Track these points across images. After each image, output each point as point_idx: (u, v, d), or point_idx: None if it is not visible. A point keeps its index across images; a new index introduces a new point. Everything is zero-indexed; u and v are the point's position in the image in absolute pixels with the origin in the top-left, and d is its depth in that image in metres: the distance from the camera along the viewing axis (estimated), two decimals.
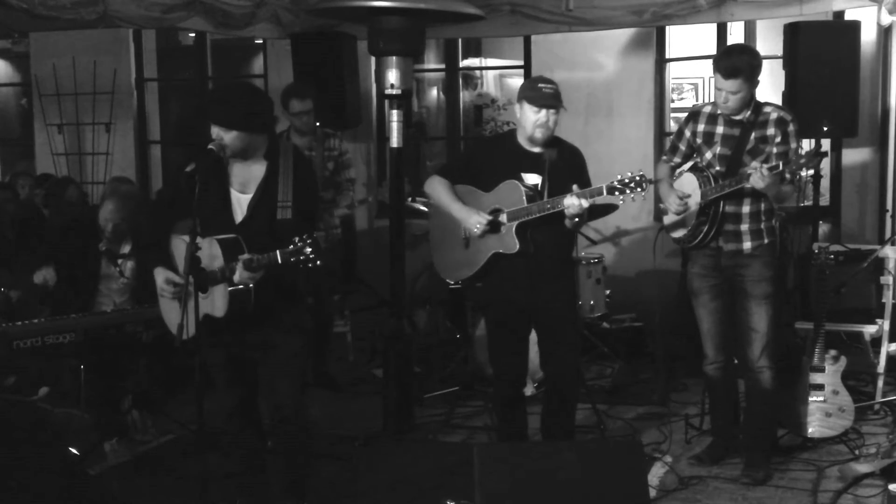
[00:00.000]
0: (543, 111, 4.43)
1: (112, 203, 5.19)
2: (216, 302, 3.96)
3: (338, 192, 6.45)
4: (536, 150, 4.52)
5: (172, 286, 3.98)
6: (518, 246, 4.45)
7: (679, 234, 4.74)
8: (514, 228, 4.46)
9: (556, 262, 4.59)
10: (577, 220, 4.37)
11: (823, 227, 7.03)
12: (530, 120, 4.47)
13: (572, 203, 4.27)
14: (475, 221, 4.53)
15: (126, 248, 5.30)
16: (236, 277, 3.81)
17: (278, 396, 4.09)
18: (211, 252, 3.94)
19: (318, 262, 3.66)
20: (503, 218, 4.50)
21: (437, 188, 4.71)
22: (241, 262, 3.79)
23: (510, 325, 4.62)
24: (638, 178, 4.18)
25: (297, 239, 3.68)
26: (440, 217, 4.80)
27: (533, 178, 4.52)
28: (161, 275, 4.04)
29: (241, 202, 4.03)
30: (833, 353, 5.09)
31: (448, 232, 4.76)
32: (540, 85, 4.48)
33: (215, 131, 3.92)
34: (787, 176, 4.32)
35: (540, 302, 4.53)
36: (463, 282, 4.90)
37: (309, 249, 3.65)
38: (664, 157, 4.92)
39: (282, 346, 4.05)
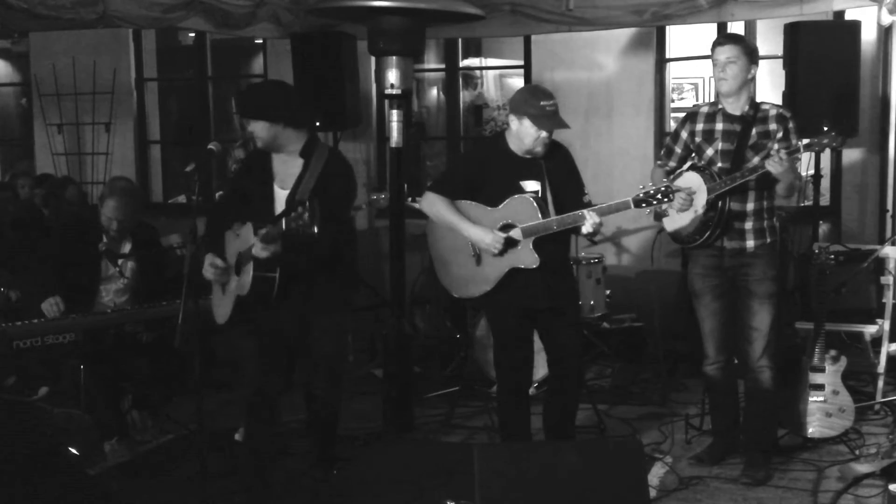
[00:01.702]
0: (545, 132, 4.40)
1: (114, 201, 5.19)
2: (244, 279, 4.17)
3: None
4: (530, 155, 4.48)
5: (214, 268, 4.29)
6: (539, 261, 4.39)
7: (684, 230, 4.67)
8: (531, 244, 4.39)
9: (561, 265, 4.59)
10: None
11: (823, 227, 7.03)
12: (531, 136, 4.40)
13: (594, 223, 4.27)
14: (492, 241, 4.41)
15: (126, 248, 5.29)
16: (254, 250, 4.00)
17: (318, 353, 4.41)
18: (245, 236, 4.17)
19: (315, 231, 3.80)
20: (517, 234, 4.42)
21: (439, 207, 4.57)
22: (259, 236, 3.98)
23: (521, 333, 4.59)
24: (664, 188, 4.16)
25: (298, 206, 3.83)
26: (442, 235, 4.68)
27: (533, 185, 4.47)
28: (209, 258, 4.33)
29: (280, 197, 4.28)
30: (833, 353, 5.09)
31: (454, 249, 4.63)
32: (543, 103, 4.36)
33: (247, 123, 4.25)
34: (800, 157, 4.31)
35: (547, 305, 4.52)
36: (476, 298, 4.74)
37: (307, 215, 3.78)
38: (658, 162, 4.91)
39: (319, 320, 4.38)
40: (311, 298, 4.31)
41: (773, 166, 4.31)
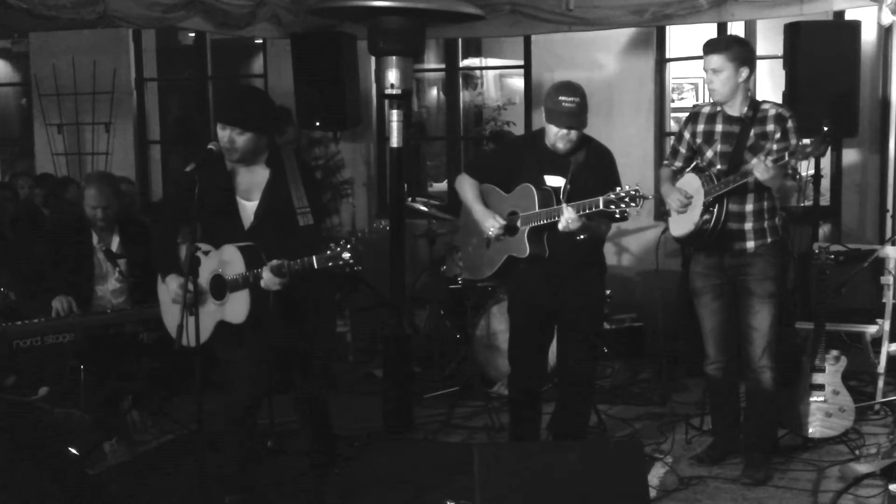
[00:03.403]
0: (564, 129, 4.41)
1: (92, 189, 5.21)
2: (234, 308, 3.99)
3: (336, 194, 6.42)
4: (555, 150, 4.49)
5: (182, 292, 3.99)
6: (528, 250, 4.43)
7: (682, 231, 4.70)
8: (526, 233, 4.44)
9: (576, 264, 4.55)
10: (575, 231, 4.30)
11: (823, 227, 7.03)
12: (552, 131, 4.44)
13: (567, 218, 4.23)
14: (490, 224, 4.54)
15: (115, 242, 5.29)
16: (263, 283, 3.85)
17: (307, 352, 4.33)
18: (222, 259, 3.99)
19: (358, 268, 3.67)
20: (519, 222, 4.48)
21: (465, 186, 4.73)
22: (269, 268, 3.83)
23: (530, 327, 4.63)
24: (633, 192, 4.12)
25: (333, 245, 3.69)
26: (468, 216, 4.81)
27: (556, 181, 4.48)
28: (174, 281, 4.10)
29: (246, 209, 4.09)
30: (833, 353, 5.09)
31: (474, 231, 4.77)
32: (561, 98, 4.36)
33: (230, 135, 3.96)
34: (790, 171, 4.29)
35: (560, 304, 4.53)
36: (484, 280, 4.94)
37: (348, 255, 3.65)
38: (665, 162, 4.91)
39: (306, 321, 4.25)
40: (296, 302, 4.18)
41: (759, 173, 4.32)
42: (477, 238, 4.76)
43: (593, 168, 4.50)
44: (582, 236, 4.36)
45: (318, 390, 4.47)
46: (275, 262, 3.83)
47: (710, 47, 4.57)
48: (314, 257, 3.74)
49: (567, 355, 4.64)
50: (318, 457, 4.56)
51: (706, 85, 4.62)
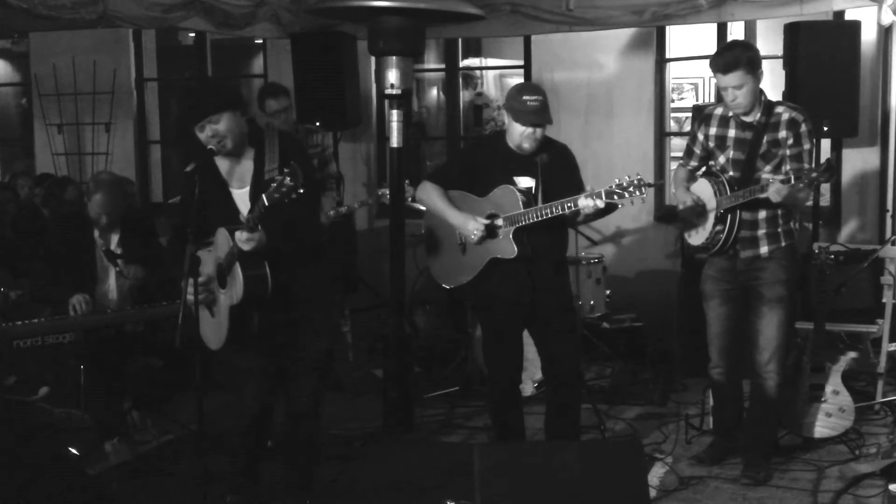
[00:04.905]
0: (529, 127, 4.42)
1: (100, 195, 5.21)
2: (233, 288, 4.00)
3: (322, 189, 6.39)
4: (521, 151, 4.50)
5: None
6: (516, 251, 4.43)
7: (697, 241, 4.70)
8: (511, 233, 4.43)
9: (554, 263, 4.59)
10: (586, 217, 4.35)
11: (823, 228, 7.02)
12: (517, 131, 4.45)
13: (588, 204, 4.22)
14: (472, 228, 4.48)
15: (115, 239, 5.29)
16: (238, 242, 3.83)
17: (296, 388, 4.21)
18: (219, 243, 4.00)
19: (301, 190, 3.65)
20: (500, 223, 4.48)
21: (431, 194, 4.66)
22: (244, 223, 3.83)
23: (507, 327, 4.61)
24: (636, 181, 4.11)
25: (275, 176, 3.70)
26: (435, 223, 4.77)
27: (526, 182, 4.49)
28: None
29: (242, 198, 4.08)
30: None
31: (443, 238, 4.74)
32: (525, 97, 4.39)
33: (209, 129, 3.95)
34: (801, 185, 4.25)
35: (539, 303, 4.53)
36: (461, 287, 4.83)
37: (288, 179, 3.62)
38: (681, 162, 4.88)
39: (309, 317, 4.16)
40: (298, 296, 4.14)
41: (773, 196, 4.29)
42: (448, 245, 4.71)
43: (559, 167, 4.53)
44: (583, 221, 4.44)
45: (308, 396, 4.25)
46: (242, 217, 3.87)
47: (725, 67, 4.43)
48: (262, 195, 3.71)
49: (556, 354, 4.60)
50: (294, 480, 4.35)
51: (728, 100, 4.51)
